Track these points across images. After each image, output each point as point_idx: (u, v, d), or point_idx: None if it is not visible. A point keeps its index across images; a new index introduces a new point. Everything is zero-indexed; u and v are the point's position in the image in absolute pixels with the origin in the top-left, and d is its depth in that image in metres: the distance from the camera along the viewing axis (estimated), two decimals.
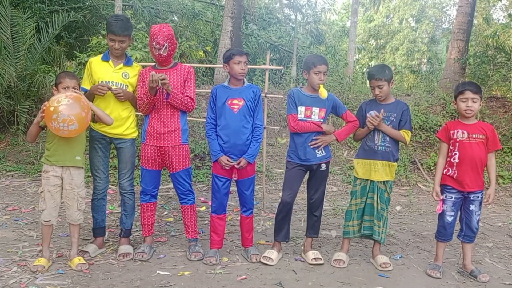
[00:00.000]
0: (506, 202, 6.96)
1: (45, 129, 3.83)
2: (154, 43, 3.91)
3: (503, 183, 7.62)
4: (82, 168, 3.96)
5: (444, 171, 4.04)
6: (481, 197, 3.97)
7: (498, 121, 8.88)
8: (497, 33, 11.99)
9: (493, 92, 11.03)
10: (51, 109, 3.51)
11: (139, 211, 5.20)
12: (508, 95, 10.39)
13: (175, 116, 4.06)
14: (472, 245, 4.10)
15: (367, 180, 4.13)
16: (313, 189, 4.24)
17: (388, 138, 4.06)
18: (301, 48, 14.87)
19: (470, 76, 11.19)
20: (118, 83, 4.03)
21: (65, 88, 3.78)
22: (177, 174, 4.14)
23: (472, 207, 3.97)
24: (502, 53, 10.55)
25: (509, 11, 17.64)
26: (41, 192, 3.89)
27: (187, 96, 4.03)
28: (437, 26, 28.37)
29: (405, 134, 4.07)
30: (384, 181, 4.10)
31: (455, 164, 3.94)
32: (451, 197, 4.00)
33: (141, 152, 4.15)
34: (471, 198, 3.94)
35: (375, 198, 4.10)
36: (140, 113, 4.27)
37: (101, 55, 4.19)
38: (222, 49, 10.23)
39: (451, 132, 3.97)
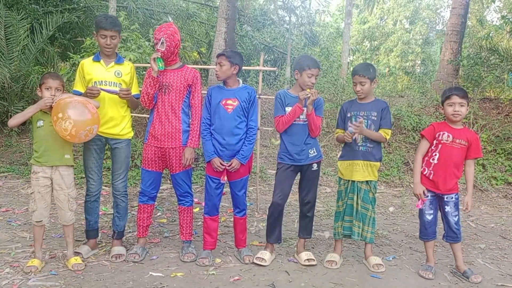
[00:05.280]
0: (499, 204, 7.00)
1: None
2: (154, 38, 3.95)
3: (496, 184, 7.65)
4: (72, 166, 3.96)
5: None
6: (456, 199, 4.03)
7: (491, 123, 8.92)
8: (491, 35, 12.08)
9: (487, 94, 11.08)
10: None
11: (132, 213, 5.22)
12: (502, 97, 10.45)
13: (177, 117, 4.06)
14: (459, 244, 4.11)
15: (349, 180, 4.17)
16: (305, 190, 4.24)
17: (369, 138, 4.10)
18: (295, 50, 14.90)
19: (464, 77, 11.22)
20: (111, 82, 4.02)
21: (47, 88, 3.79)
22: (177, 175, 4.15)
23: (447, 208, 4.03)
24: (495, 54, 10.61)
25: (502, 13, 17.73)
26: (31, 193, 3.90)
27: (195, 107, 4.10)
28: (431, 28, 28.49)
29: (384, 134, 4.09)
30: (367, 181, 4.13)
31: (432, 165, 4.00)
32: (427, 196, 4.07)
33: (142, 152, 4.17)
34: (445, 199, 4.03)
35: (355, 198, 4.14)
36: (135, 114, 4.27)
37: (92, 56, 4.18)
38: (216, 50, 10.19)
39: (438, 133, 4.02)
